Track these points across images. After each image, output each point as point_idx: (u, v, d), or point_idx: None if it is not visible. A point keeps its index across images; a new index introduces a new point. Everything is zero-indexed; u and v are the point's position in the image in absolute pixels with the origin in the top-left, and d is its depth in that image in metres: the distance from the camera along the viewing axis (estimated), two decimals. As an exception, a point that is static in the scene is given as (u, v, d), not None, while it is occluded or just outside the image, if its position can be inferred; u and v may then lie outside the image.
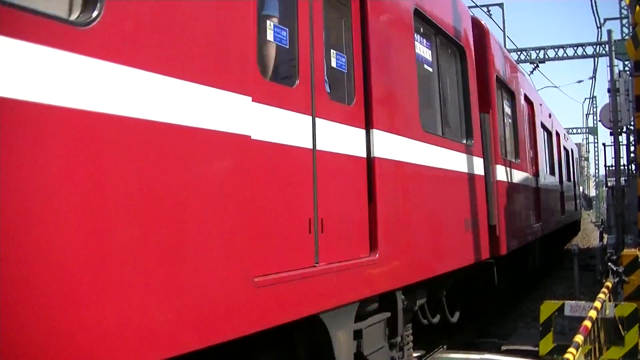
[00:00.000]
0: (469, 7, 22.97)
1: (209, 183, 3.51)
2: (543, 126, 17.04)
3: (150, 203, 3.07)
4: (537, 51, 34.42)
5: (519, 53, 33.89)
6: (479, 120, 9.12)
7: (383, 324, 5.84)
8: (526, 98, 14.40)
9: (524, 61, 33.82)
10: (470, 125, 8.70)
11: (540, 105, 17.11)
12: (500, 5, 29.99)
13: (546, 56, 34.15)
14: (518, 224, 11.55)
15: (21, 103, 2.50)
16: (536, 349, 8.62)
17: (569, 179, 23.96)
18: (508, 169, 10.96)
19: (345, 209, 5.05)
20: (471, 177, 8.40)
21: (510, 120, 12.29)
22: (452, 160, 7.74)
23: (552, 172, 18.38)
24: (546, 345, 8.24)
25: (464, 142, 8.48)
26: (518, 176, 11.96)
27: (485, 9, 28.39)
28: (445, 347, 9.70)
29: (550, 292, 16.28)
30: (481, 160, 9.02)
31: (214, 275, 3.45)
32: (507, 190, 10.70)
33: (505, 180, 10.61)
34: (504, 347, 10.19)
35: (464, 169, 8.18)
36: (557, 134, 20.78)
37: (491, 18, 28.21)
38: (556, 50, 34.41)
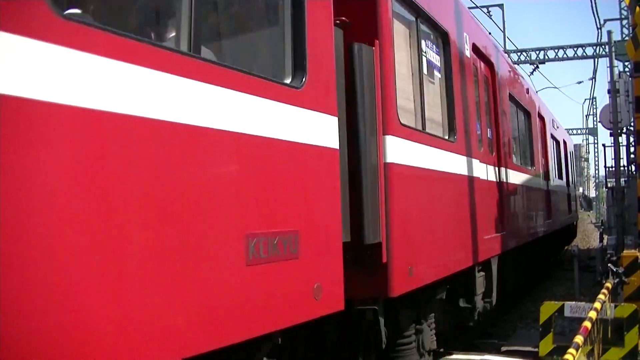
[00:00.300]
0: (470, 8, 22.06)
1: None
2: (514, 101, 12.75)
3: None
4: (537, 52, 34.46)
5: (519, 54, 33.92)
6: (331, 48, 5.00)
7: None
8: (477, 51, 9.76)
9: (524, 62, 33.84)
10: (303, 51, 4.57)
11: (509, 72, 13.03)
12: (500, 6, 30.02)
13: (546, 57, 34.19)
14: (449, 239, 7.60)
15: None
16: (536, 349, 8.62)
17: (560, 176, 20.27)
18: (424, 147, 6.86)
19: None
20: (291, 148, 4.38)
21: (439, 75, 7.81)
22: (217, 107, 3.65)
23: (532, 165, 14.59)
24: (546, 346, 8.24)
25: (283, 81, 4.44)
26: (451, 162, 7.79)
27: (485, 9, 28.46)
28: (443, 349, 9.67)
29: (550, 293, 16.27)
30: (332, 120, 4.89)
31: None
32: (421, 184, 6.80)
33: (416, 165, 6.58)
34: (504, 348, 10.19)
35: (261, 129, 4.04)
36: (541, 118, 16.66)
37: (491, 19, 28.26)
38: (556, 51, 34.44)
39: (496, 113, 10.58)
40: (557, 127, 21.39)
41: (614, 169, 17.07)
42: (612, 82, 15.90)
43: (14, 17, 2.57)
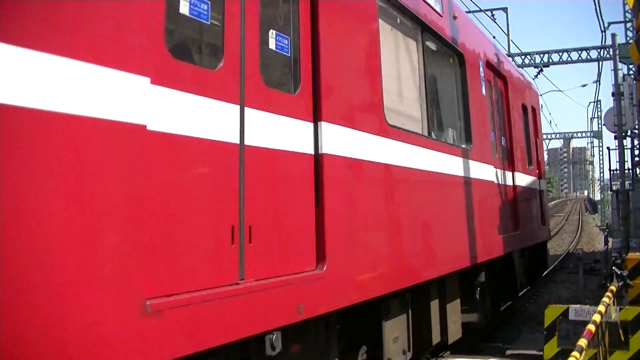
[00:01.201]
0: (473, 12, 22.05)
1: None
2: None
3: None
4: (542, 55, 34.39)
5: (523, 57, 33.89)
6: None
7: None
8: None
9: (529, 65, 33.81)
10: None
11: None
12: (505, 9, 30.01)
13: (550, 60, 34.12)
14: None
15: None
16: (541, 353, 8.61)
17: (494, 150, 10.46)
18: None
19: None
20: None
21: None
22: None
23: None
24: (551, 349, 8.22)
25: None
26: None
27: (489, 13, 28.47)
28: (449, 352, 9.67)
29: (555, 296, 16.26)
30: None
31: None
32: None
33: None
34: (508, 352, 10.18)
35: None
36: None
37: (495, 22, 28.20)
38: (560, 54, 34.39)
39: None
40: (505, 66, 12.04)
41: (618, 171, 17.06)
42: (617, 85, 15.92)
43: None
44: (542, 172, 15.20)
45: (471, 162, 8.93)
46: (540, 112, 16.30)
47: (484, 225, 9.36)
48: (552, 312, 8.35)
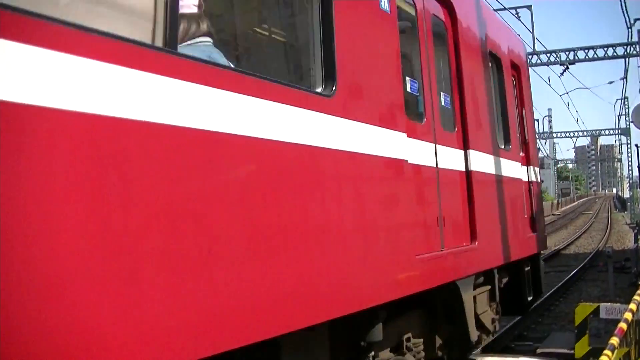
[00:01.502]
0: (497, 10, 21.24)
1: None
2: None
3: None
4: (567, 53, 34.16)
5: (548, 55, 33.67)
6: None
7: None
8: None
9: (554, 63, 33.59)
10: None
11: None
12: (529, 7, 29.87)
13: (576, 57, 33.87)
14: None
15: None
16: (572, 351, 8.63)
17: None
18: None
19: None
20: None
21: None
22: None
23: None
24: (582, 348, 8.24)
25: None
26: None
27: (514, 11, 28.35)
28: (479, 350, 9.69)
29: (585, 294, 16.18)
30: None
31: None
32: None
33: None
34: (539, 350, 10.19)
35: None
36: None
37: (520, 20, 28.06)
38: (586, 51, 34.12)
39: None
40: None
41: (647, 169, 16.94)
42: (644, 81, 15.77)
43: None
44: (532, 157, 10.41)
45: (336, 119, 4.60)
46: (529, 74, 11.07)
47: (381, 238, 5.18)
48: (582, 311, 8.36)
